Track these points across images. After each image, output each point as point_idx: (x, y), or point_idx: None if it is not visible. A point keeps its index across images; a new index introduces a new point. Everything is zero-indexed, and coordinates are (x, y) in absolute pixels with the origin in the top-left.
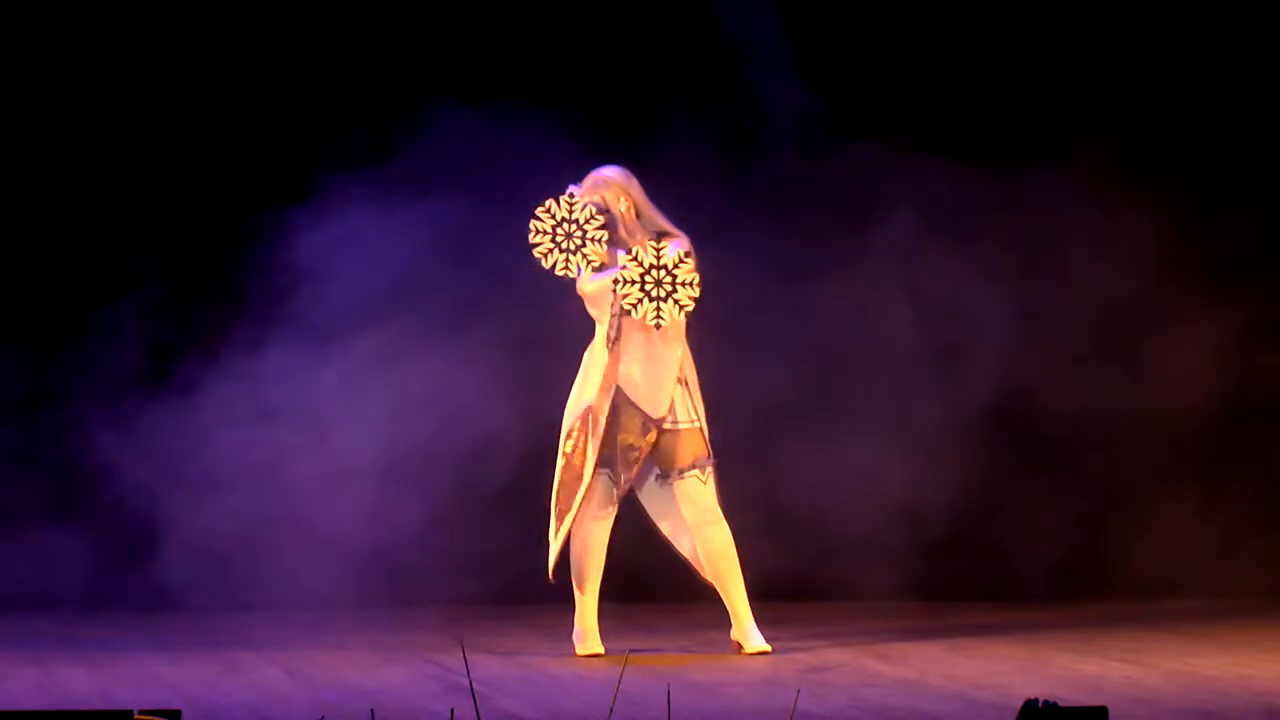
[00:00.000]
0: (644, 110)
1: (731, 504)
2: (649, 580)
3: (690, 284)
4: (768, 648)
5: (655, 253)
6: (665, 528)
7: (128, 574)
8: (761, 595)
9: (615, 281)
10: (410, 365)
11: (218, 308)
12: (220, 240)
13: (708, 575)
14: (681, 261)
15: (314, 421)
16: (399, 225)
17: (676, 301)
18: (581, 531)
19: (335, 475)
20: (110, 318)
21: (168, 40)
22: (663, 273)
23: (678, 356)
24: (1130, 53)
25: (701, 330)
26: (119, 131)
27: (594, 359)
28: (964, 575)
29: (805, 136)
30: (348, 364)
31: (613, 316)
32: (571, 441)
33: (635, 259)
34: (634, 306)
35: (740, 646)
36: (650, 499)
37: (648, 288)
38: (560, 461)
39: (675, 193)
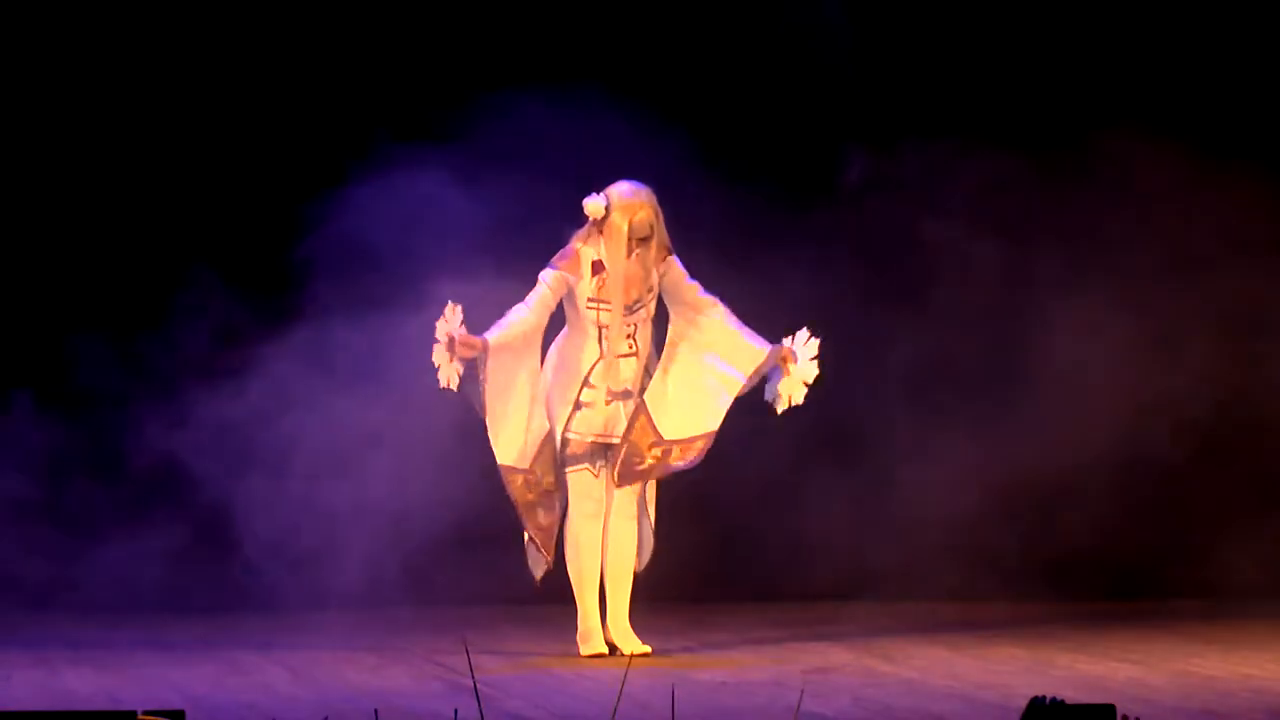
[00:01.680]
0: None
1: (743, 505)
2: (653, 580)
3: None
4: (647, 649)
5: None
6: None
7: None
8: (766, 596)
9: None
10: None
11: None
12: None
13: (602, 565)
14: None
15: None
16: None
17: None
18: (577, 532)
19: (336, 473)
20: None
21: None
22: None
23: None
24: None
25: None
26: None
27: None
28: (968, 576)
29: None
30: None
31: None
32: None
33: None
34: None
35: (616, 648)
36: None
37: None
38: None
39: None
